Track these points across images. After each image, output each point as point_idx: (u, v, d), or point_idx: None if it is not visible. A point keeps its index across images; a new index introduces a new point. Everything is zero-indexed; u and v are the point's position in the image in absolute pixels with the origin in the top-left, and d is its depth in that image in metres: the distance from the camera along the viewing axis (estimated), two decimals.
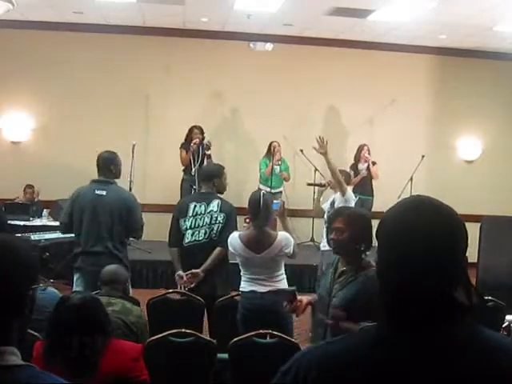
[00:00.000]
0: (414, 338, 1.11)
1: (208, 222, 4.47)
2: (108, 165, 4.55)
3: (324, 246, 5.29)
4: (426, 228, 1.14)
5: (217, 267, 4.44)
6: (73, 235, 4.67)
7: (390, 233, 1.18)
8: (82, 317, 2.50)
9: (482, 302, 1.20)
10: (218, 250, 4.43)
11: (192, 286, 4.41)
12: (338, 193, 5.37)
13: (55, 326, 2.54)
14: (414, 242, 1.13)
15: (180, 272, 4.49)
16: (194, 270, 4.41)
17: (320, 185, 5.96)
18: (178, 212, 4.61)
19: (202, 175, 4.79)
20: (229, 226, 4.44)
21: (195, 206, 4.55)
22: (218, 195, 4.61)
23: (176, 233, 4.57)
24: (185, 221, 4.52)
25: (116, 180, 4.65)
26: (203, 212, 4.51)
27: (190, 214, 4.52)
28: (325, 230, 5.41)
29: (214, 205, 4.51)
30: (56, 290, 3.51)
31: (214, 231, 4.45)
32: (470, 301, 1.14)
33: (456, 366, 1.10)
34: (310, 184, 6.82)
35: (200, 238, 4.49)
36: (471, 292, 1.15)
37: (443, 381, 1.09)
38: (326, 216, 5.53)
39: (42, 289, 3.17)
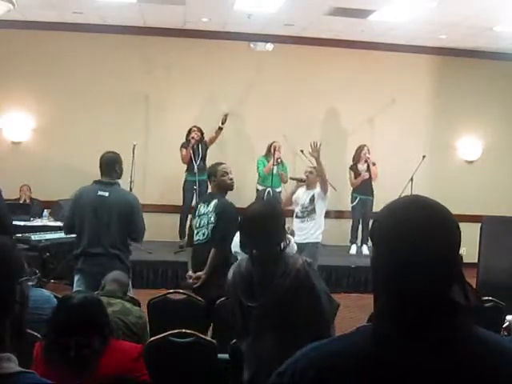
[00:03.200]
0: (413, 339, 1.10)
1: (206, 222, 4.55)
2: (113, 165, 4.53)
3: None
4: (423, 228, 1.13)
5: (219, 268, 4.43)
6: (74, 235, 4.64)
7: (386, 233, 1.17)
8: (79, 317, 2.48)
9: (480, 301, 1.20)
10: (212, 251, 4.45)
11: (194, 286, 4.50)
12: (318, 189, 6.05)
13: (54, 326, 2.53)
14: (411, 243, 1.12)
15: (190, 272, 4.61)
16: (198, 273, 4.50)
17: (301, 180, 6.32)
18: (193, 213, 4.78)
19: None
20: (219, 226, 4.45)
21: (201, 206, 4.68)
22: (221, 195, 4.62)
23: (191, 233, 4.72)
24: (195, 220, 4.67)
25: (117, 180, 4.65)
26: (205, 212, 4.59)
27: (197, 214, 4.65)
28: (298, 222, 6.13)
29: (212, 205, 4.56)
30: (45, 290, 3.43)
31: (210, 232, 4.52)
32: (467, 300, 1.13)
33: (455, 369, 1.09)
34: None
35: (202, 238, 4.56)
36: (468, 291, 1.14)
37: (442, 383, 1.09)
38: (299, 208, 6.21)
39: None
